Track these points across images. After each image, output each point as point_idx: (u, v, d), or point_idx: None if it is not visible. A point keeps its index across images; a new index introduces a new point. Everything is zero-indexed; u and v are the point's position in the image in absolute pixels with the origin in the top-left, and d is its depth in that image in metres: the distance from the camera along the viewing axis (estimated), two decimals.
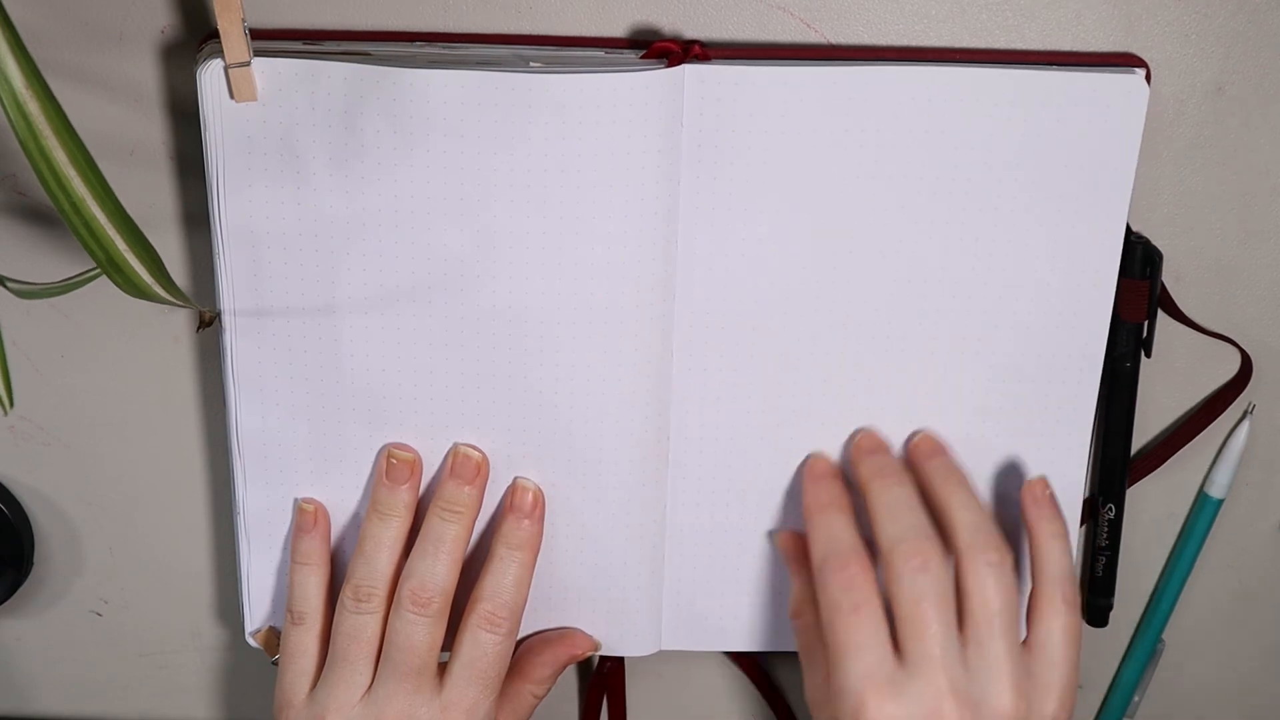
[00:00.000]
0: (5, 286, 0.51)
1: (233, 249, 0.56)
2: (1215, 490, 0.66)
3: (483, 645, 0.58)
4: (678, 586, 0.63)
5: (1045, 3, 0.57)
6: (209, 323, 0.56)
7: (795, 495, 0.61)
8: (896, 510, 0.56)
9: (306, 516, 0.60)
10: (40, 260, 0.60)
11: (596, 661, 0.68)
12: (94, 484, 0.65)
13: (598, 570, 0.62)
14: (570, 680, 0.70)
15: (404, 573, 0.58)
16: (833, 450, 0.61)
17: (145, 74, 0.57)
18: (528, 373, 0.58)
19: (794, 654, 0.61)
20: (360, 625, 0.58)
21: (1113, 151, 0.56)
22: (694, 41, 0.56)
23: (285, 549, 0.62)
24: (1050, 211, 0.57)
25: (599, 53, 0.57)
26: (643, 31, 0.57)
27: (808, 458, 0.60)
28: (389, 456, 0.59)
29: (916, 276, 0.58)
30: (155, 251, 0.48)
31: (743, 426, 0.60)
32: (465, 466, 0.59)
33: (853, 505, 0.59)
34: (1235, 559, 0.68)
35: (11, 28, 0.44)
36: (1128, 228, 0.58)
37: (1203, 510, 0.66)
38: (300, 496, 0.61)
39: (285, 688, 0.60)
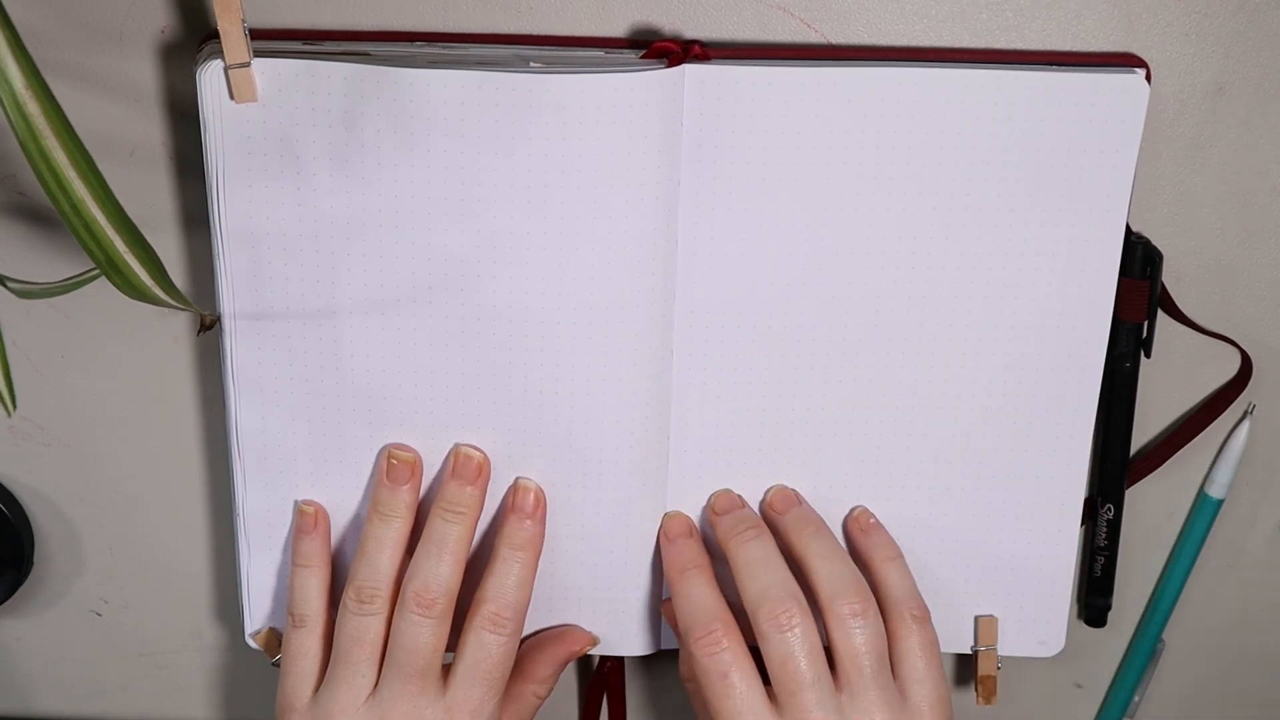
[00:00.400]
0: (5, 286, 0.51)
1: (232, 250, 0.56)
2: (1215, 490, 0.66)
3: (487, 646, 0.58)
4: None
5: (1045, 3, 0.57)
6: (209, 326, 0.56)
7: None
8: (755, 568, 0.58)
9: (306, 518, 0.60)
10: (40, 260, 0.60)
11: (597, 661, 0.68)
12: (94, 484, 0.65)
13: (598, 570, 0.62)
14: (570, 680, 0.70)
15: (408, 574, 0.58)
16: (833, 453, 0.61)
17: (145, 74, 0.57)
18: (528, 373, 0.58)
19: None
20: (363, 627, 0.58)
21: (1113, 151, 0.56)
22: (694, 41, 0.56)
23: (285, 550, 0.62)
24: (1050, 212, 0.57)
25: (599, 53, 0.57)
26: (643, 31, 0.57)
27: (664, 518, 0.62)
28: (389, 457, 0.59)
29: (917, 277, 0.58)
30: (155, 253, 0.48)
31: (742, 426, 0.60)
32: (466, 467, 0.59)
33: (712, 564, 0.60)
34: (1235, 559, 0.68)
35: (11, 28, 0.44)
36: (1127, 228, 0.58)
37: (1203, 510, 0.66)
38: (300, 498, 0.61)
39: (287, 691, 0.60)
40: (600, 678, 0.68)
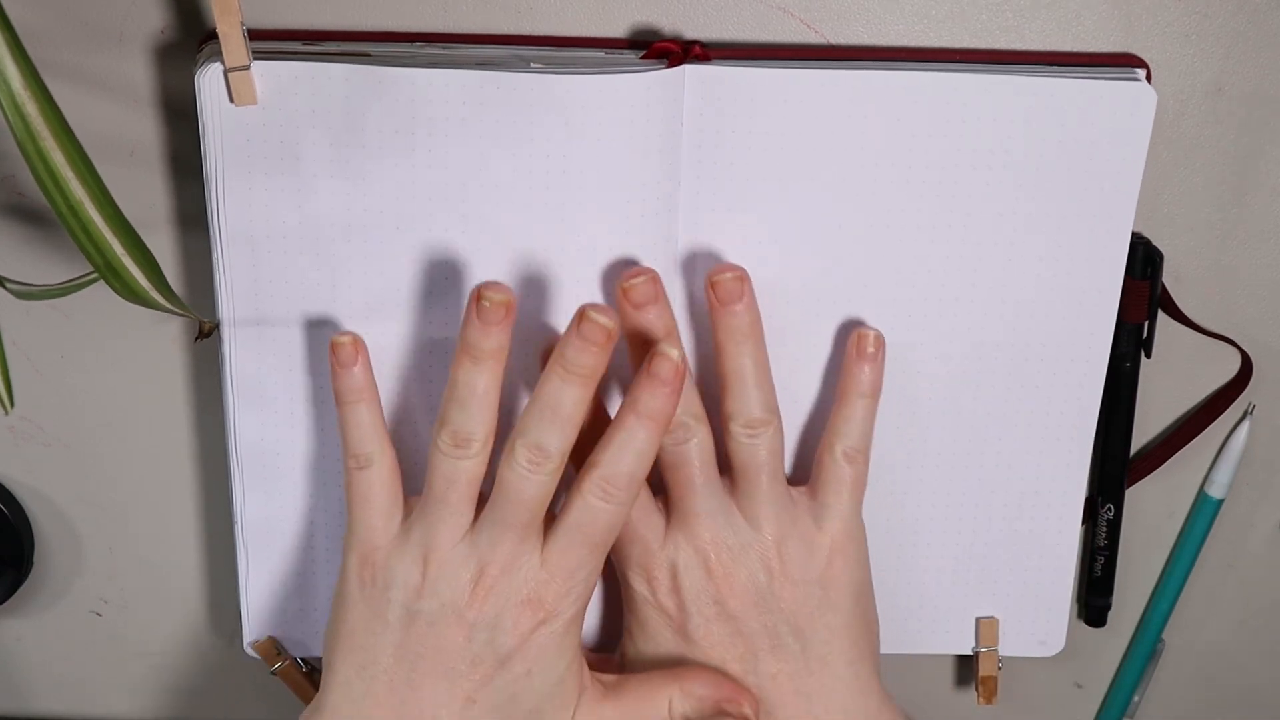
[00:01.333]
0: (5, 287, 0.51)
1: (232, 252, 0.56)
2: (1215, 490, 0.66)
3: (593, 511, 0.54)
4: None
5: (1045, 3, 0.57)
6: (207, 334, 0.56)
7: None
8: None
9: (345, 350, 0.56)
10: (40, 261, 0.60)
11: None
12: (94, 484, 0.65)
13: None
14: None
15: (518, 428, 0.54)
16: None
17: (143, 75, 0.57)
18: (528, 374, 0.58)
19: None
20: (459, 470, 0.54)
21: (1119, 158, 0.56)
22: (694, 42, 0.56)
23: (285, 558, 0.61)
24: (1054, 216, 0.57)
25: (599, 53, 0.57)
26: (643, 32, 0.57)
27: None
28: (480, 298, 0.53)
29: (919, 279, 0.58)
30: (153, 257, 0.48)
31: None
32: (594, 330, 0.53)
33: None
34: (1235, 559, 0.68)
35: (10, 28, 0.44)
36: None
37: (1203, 510, 0.66)
38: (299, 504, 0.60)
39: (362, 538, 0.56)
40: None
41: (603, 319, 0.52)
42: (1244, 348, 0.63)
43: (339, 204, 0.55)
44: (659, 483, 0.58)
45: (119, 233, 0.47)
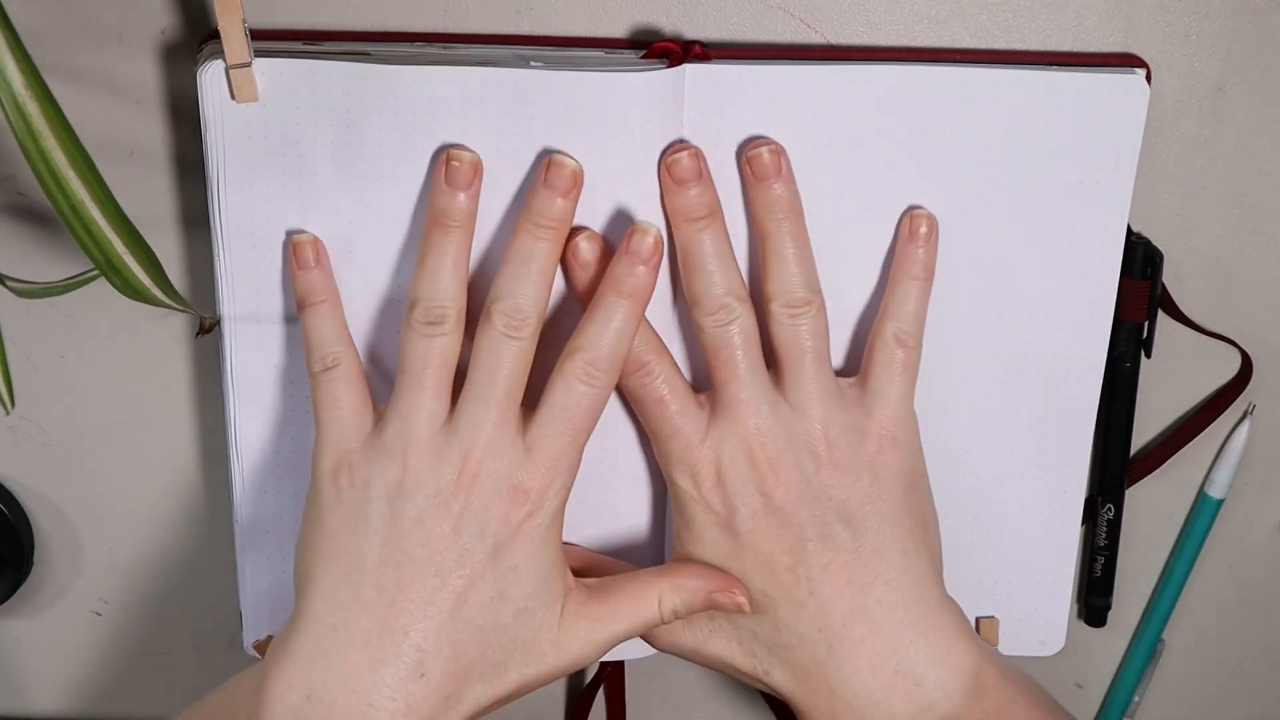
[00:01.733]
0: (5, 286, 0.51)
1: (233, 250, 0.56)
2: (1215, 490, 0.66)
3: (575, 395, 0.53)
4: None
5: (1045, 3, 0.57)
6: (208, 329, 0.56)
7: None
8: (702, 264, 0.55)
9: (304, 249, 0.55)
10: (40, 260, 0.60)
11: (597, 663, 0.68)
12: (94, 484, 0.65)
13: None
14: (565, 682, 0.70)
15: (492, 292, 0.53)
16: None
17: (145, 74, 0.57)
18: (528, 374, 0.58)
19: None
20: (433, 348, 0.53)
21: (1114, 152, 0.56)
22: (694, 41, 0.56)
23: (285, 558, 0.61)
24: (1051, 212, 0.57)
25: (599, 53, 0.57)
26: (643, 31, 0.57)
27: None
28: (448, 159, 0.53)
29: None
30: (154, 255, 0.48)
31: None
32: (559, 176, 0.52)
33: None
34: (1235, 559, 0.68)
35: (11, 28, 0.44)
36: (1128, 228, 0.58)
37: (1203, 510, 0.66)
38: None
39: (334, 440, 0.54)
40: (599, 678, 0.68)
41: (569, 161, 0.52)
42: (1244, 348, 0.63)
43: (340, 201, 0.55)
44: (702, 380, 0.57)
45: (120, 231, 0.47)
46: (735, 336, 0.55)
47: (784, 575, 0.56)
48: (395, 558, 0.53)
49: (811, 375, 0.55)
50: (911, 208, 0.57)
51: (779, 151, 0.55)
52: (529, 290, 0.53)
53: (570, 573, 0.56)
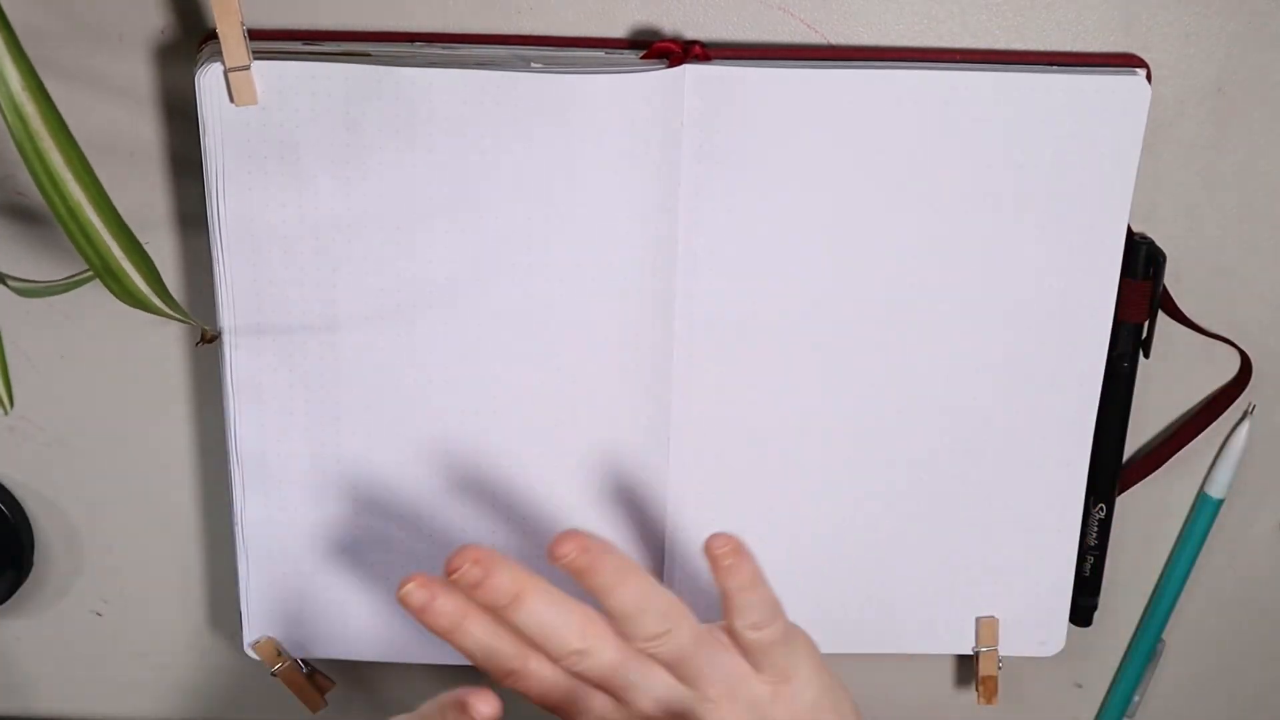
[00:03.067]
0: (6, 285, 0.51)
1: (232, 253, 0.56)
2: (1215, 490, 0.66)
3: None
4: (680, 585, 0.63)
5: (1045, 3, 0.57)
6: (209, 340, 0.56)
7: (798, 492, 0.62)
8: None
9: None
10: (40, 260, 0.60)
11: None
12: (94, 484, 0.65)
13: None
14: None
15: None
16: (833, 452, 0.61)
17: (143, 75, 0.57)
18: (528, 375, 0.58)
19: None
20: None
21: (1114, 152, 0.56)
22: (694, 42, 0.56)
23: (285, 559, 0.61)
24: (1051, 213, 0.57)
25: (599, 53, 0.57)
26: (643, 32, 0.57)
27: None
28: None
29: (917, 278, 0.58)
30: (151, 261, 0.48)
31: (742, 426, 0.60)
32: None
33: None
34: (1235, 559, 0.68)
35: (9, 29, 0.44)
36: (1129, 228, 0.58)
37: (1202, 510, 0.66)
38: (298, 510, 0.57)
39: None
40: None
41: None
42: (1244, 348, 0.63)
43: (339, 204, 0.55)
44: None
45: (117, 236, 0.47)
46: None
47: None
48: None
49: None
50: (710, 537, 0.50)
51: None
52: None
53: None
